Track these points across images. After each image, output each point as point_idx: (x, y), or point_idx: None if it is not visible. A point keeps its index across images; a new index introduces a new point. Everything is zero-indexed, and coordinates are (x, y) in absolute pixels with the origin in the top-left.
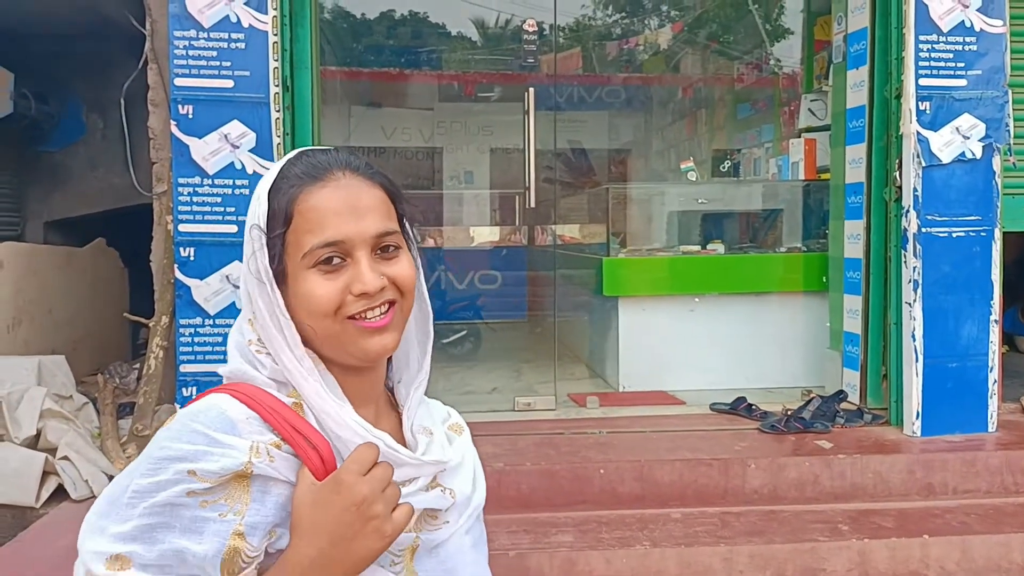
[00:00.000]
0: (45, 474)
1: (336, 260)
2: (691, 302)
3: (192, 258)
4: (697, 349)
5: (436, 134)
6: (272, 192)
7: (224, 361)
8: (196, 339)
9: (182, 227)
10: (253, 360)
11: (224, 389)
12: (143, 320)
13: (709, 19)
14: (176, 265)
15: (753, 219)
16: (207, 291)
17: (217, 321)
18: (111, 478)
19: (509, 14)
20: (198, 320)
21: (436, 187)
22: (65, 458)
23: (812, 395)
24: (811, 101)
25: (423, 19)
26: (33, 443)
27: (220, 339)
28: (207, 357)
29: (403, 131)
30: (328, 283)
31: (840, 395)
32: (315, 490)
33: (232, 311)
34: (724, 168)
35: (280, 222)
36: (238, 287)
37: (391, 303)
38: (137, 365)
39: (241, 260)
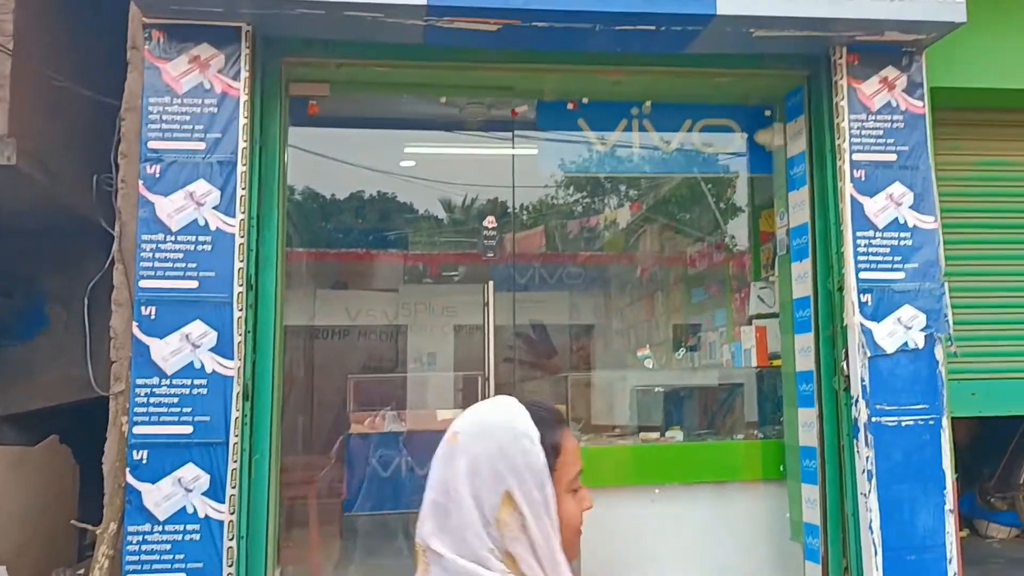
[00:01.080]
0: None
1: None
2: (652, 492)
3: (145, 461)
4: (658, 542)
5: (400, 315)
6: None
7: (172, 570)
8: (143, 547)
9: (137, 429)
10: None
11: None
12: (90, 527)
13: (666, 200)
14: (128, 468)
15: (710, 404)
16: (158, 495)
17: (167, 527)
18: None
19: (475, 193)
20: (147, 527)
21: (400, 368)
22: None
23: None
24: (760, 289)
25: (391, 199)
26: None
27: (169, 547)
28: (154, 567)
29: (368, 312)
30: (577, 504)
31: None
32: None
33: (182, 516)
34: (679, 356)
35: (552, 457)
36: (190, 491)
37: None
38: (81, 571)
39: (194, 462)
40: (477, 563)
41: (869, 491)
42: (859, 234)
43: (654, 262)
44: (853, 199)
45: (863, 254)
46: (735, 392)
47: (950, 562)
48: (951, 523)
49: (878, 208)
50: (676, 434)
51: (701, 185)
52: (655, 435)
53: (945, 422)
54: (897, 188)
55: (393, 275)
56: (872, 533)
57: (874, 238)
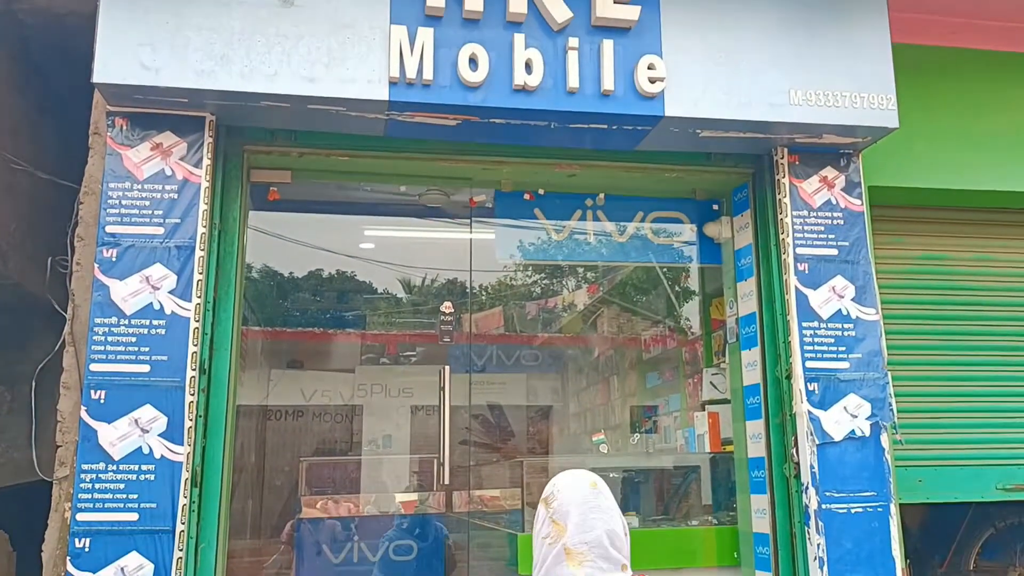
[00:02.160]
0: None
1: None
2: None
3: (87, 549)
4: None
5: (356, 395)
6: None
7: None
8: None
9: (80, 515)
10: None
11: None
12: None
13: (623, 283)
14: (69, 558)
15: (666, 489)
16: None
17: None
18: None
19: (434, 275)
20: None
21: (354, 450)
22: None
23: None
24: (712, 375)
25: (349, 279)
26: None
27: None
28: None
29: (323, 392)
30: None
31: None
32: None
33: None
34: (634, 442)
35: None
36: None
37: None
38: None
39: (138, 550)
40: None
41: None
42: (804, 324)
43: (610, 345)
44: (798, 291)
45: (809, 344)
46: (690, 477)
47: None
48: None
49: (822, 300)
50: (632, 520)
51: (657, 270)
52: None
53: (893, 509)
54: (839, 281)
55: (350, 355)
56: None
57: (819, 328)
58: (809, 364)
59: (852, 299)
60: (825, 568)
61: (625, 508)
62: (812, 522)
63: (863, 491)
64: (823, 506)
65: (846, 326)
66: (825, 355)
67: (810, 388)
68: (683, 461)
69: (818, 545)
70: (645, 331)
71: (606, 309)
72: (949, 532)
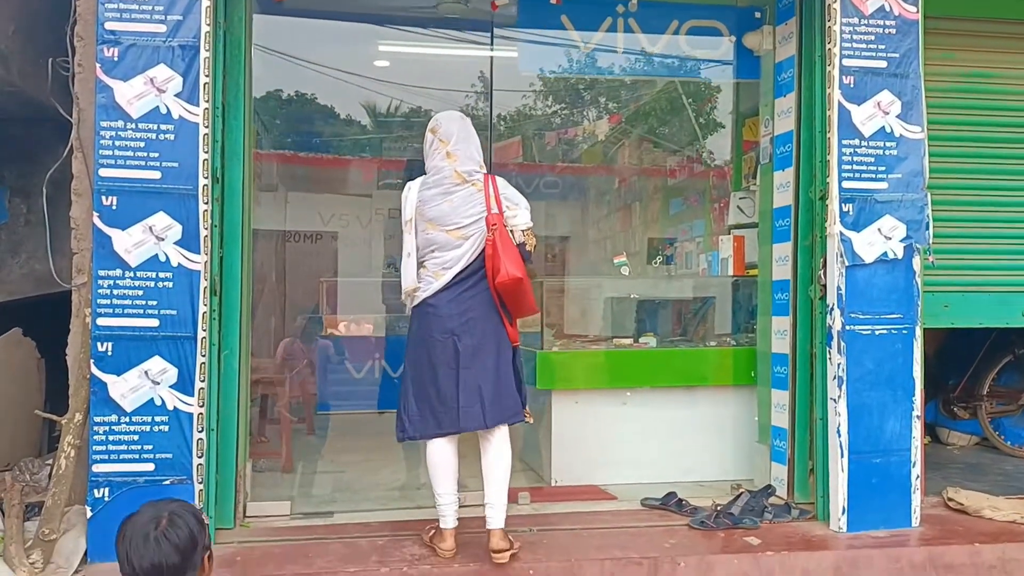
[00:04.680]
0: None
1: None
2: (623, 395)
3: (110, 353)
4: (629, 443)
5: (375, 220)
6: None
7: (140, 460)
8: (111, 437)
9: (100, 320)
10: None
11: None
12: (55, 417)
13: (646, 112)
14: (92, 360)
15: (685, 312)
16: (124, 387)
17: (134, 419)
18: None
19: (452, 99)
20: (113, 417)
21: (373, 273)
22: None
23: (741, 490)
24: (740, 199)
25: (364, 102)
26: None
27: (136, 437)
28: (122, 456)
29: (341, 217)
30: None
31: (768, 490)
32: None
33: (150, 408)
34: (656, 263)
35: None
36: (157, 383)
37: None
38: (50, 461)
39: (161, 355)
40: None
41: (839, 397)
42: (844, 142)
43: (633, 173)
44: (841, 106)
45: (847, 163)
46: (709, 301)
47: (914, 466)
48: (917, 429)
49: (865, 116)
50: (649, 340)
51: (682, 98)
52: (628, 340)
53: (918, 332)
54: (885, 96)
55: (366, 180)
56: (840, 436)
57: (859, 147)
58: (846, 184)
59: (897, 116)
60: (844, 387)
61: (643, 329)
62: (834, 342)
63: (889, 313)
64: (847, 327)
65: (888, 144)
66: (864, 175)
67: (844, 209)
68: (704, 285)
69: (838, 365)
70: (669, 159)
71: (628, 139)
72: (965, 358)
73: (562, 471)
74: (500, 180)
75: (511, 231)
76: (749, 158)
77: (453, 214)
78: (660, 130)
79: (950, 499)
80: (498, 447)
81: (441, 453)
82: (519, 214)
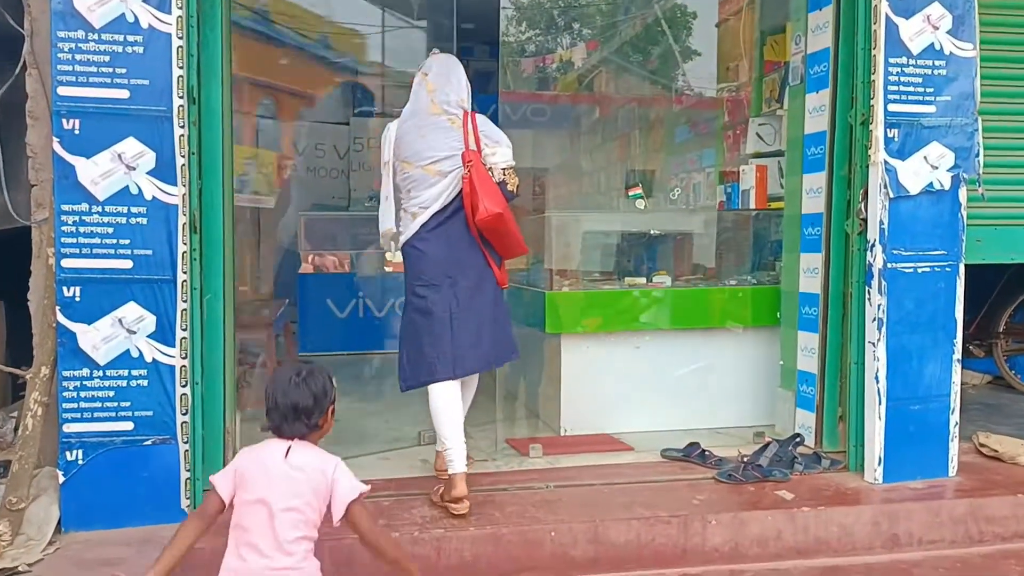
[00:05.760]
0: None
1: None
2: (636, 338)
3: (78, 299)
4: (642, 389)
5: (352, 149)
6: None
7: (117, 418)
8: (82, 393)
9: (65, 262)
10: None
11: None
12: (18, 371)
13: (623, 39)
14: (58, 307)
15: (701, 249)
16: (96, 337)
17: (108, 372)
18: None
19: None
20: (85, 371)
21: (354, 207)
22: None
23: (767, 440)
24: (759, 125)
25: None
26: None
27: (112, 393)
28: (96, 415)
29: (317, 146)
30: None
31: (796, 439)
32: None
33: (126, 360)
34: (674, 196)
35: None
36: (133, 332)
37: None
38: (15, 414)
39: (136, 300)
40: None
41: (878, 340)
42: (891, 60)
43: (630, 100)
44: (888, 20)
45: (894, 83)
46: (726, 235)
47: (952, 412)
48: (957, 374)
49: (914, 31)
50: (664, 279)
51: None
52: (641, 280)
53: (961, 269)
54: (935, 9)
55: (343, 107)
56: (878, 383)
57: (907, 66)
58: (892, 107)
59: (947, 31)
60: (884, 329)
61: (654, 267)
62: (875, 281)
63: (933, 249)
64: (888, 265)
65: (937, 63)
66: (911, 97)
67: (890, 135)
68: (723, 219)
69: (879, 306)
70: (675, 83)
71: (626, 61)
72: (980, 294)
73: (572, 420)
74: (480, 117)
75: (490, 170)
76: (771, 80)
77: (427, 149)
78: (635, 57)
79: (982, 444)
80: (470, 388)
81: (444, 398)
82: (498, 151)
